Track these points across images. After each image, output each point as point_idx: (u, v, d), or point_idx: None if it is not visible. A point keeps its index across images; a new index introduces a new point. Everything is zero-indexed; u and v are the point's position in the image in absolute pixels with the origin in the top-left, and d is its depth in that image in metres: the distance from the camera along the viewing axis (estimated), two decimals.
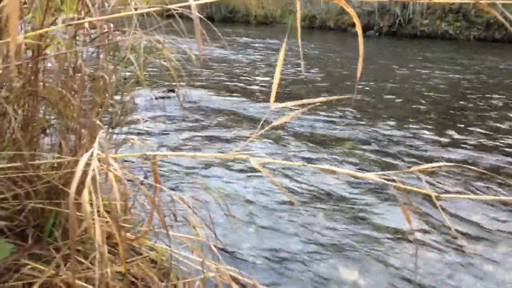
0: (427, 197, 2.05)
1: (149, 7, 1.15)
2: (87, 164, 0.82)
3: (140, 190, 1.32)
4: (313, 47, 9.51)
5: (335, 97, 0.99)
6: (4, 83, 1.22)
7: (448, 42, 12.12)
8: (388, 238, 1.79)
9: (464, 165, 1.22)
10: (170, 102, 4.01)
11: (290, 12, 17.18)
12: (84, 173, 0.82)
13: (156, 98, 3.99)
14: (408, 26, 13.25)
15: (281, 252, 1.66)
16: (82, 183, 0.87)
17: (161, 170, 2.26)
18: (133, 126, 1.54)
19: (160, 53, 1.35)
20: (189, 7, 0.96)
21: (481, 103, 4.67)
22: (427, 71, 6.87)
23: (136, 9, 1.20)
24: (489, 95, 5.15)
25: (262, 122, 0.91)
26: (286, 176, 2.38)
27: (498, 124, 3.81)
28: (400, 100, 4.78)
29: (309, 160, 2.67)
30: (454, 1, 0.91)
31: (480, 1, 0.90)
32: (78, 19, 1.25)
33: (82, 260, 1.17)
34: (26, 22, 1.24)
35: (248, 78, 5.70)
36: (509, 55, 9.27)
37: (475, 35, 12.58)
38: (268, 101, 4.34)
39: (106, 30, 1.26)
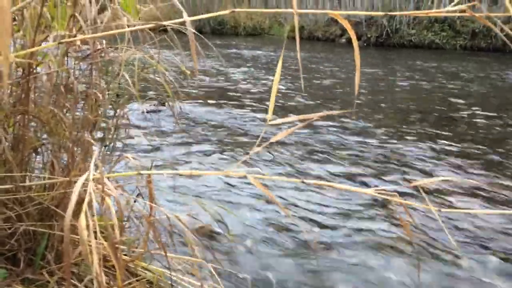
0: (425, 210, 2.04)
1: (142, 24, 1.13)
2: (83, 185, 0.79)
3: (134, 208, 1.29)
4: (302, 57, 9.57)
5: (335, 112, 0.98)
6: None
7: (435, 51, 12.28)
8: (387, 253, 1.77)
9: (463, 179, 1.22)
10: (162, 116, 3.98)
11: (279, 24, 17.31)
12: (79, 195, 0.79)
13: (147, 112, 3.95)
14: (395, 36, 13.42)
15: (279, 272, 1.64)
16: (77, 204, 0.84)
17: (155, 186, 2.23)
18: (126, 142, 1.51)
19: (153, 68, 1.33)
20: (183, 23, 0.95)
21: (470, 112, 4.72)
22: (415, 81, 6.94)
23: (128, 26, 1.18)
24: (477, 104, 5.21)
25: (260, 137, 0.89)
26: (283, 191, 2.36)
27: (488, 134, 3.85)
28: (391, 110, 4.81)
29: (306, 175, 2.65)
30: (452, 14, 0.91)
31: (475, 14, 0.90)
32: (70, 36, 1.23)
33: (77, 283, 1.13)
34: (17, 40, 1.22)
35: (241, 91, 5.70)
36: (494, 63, 9.42)
37: (461, 44, 12.78)
38: (262, 113, 4.34)
39: (98, 47, 1.24)
